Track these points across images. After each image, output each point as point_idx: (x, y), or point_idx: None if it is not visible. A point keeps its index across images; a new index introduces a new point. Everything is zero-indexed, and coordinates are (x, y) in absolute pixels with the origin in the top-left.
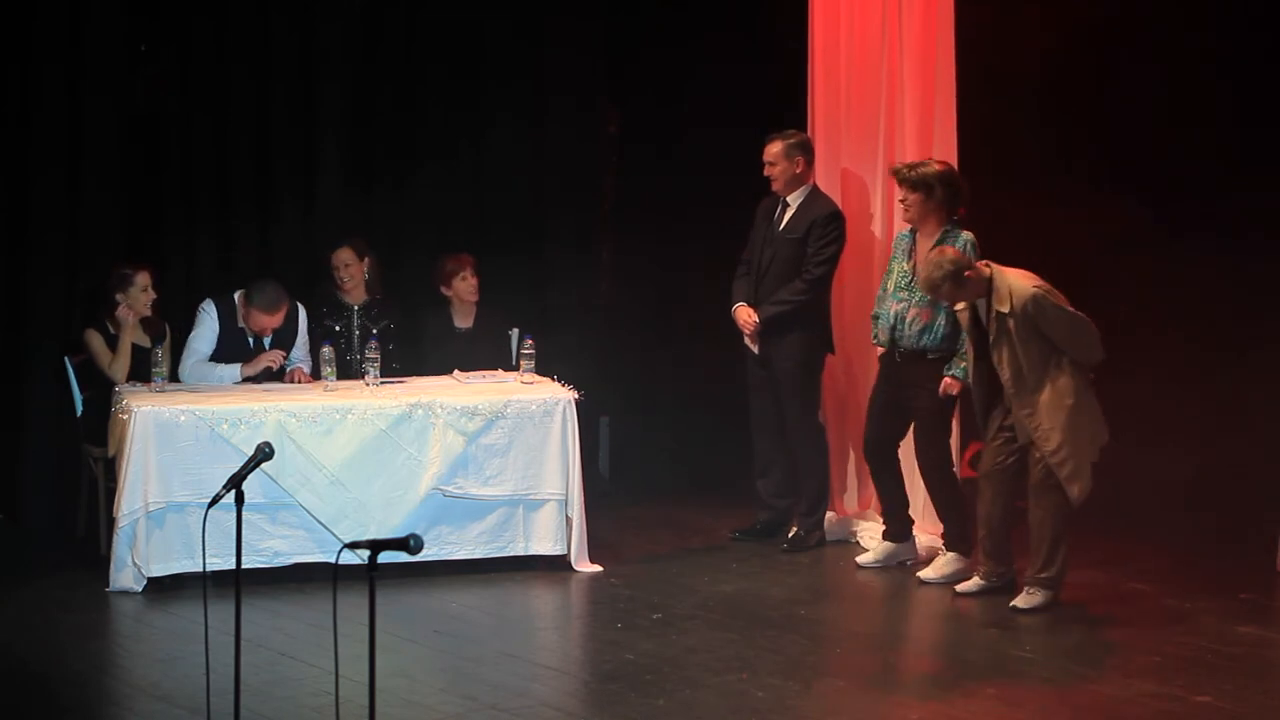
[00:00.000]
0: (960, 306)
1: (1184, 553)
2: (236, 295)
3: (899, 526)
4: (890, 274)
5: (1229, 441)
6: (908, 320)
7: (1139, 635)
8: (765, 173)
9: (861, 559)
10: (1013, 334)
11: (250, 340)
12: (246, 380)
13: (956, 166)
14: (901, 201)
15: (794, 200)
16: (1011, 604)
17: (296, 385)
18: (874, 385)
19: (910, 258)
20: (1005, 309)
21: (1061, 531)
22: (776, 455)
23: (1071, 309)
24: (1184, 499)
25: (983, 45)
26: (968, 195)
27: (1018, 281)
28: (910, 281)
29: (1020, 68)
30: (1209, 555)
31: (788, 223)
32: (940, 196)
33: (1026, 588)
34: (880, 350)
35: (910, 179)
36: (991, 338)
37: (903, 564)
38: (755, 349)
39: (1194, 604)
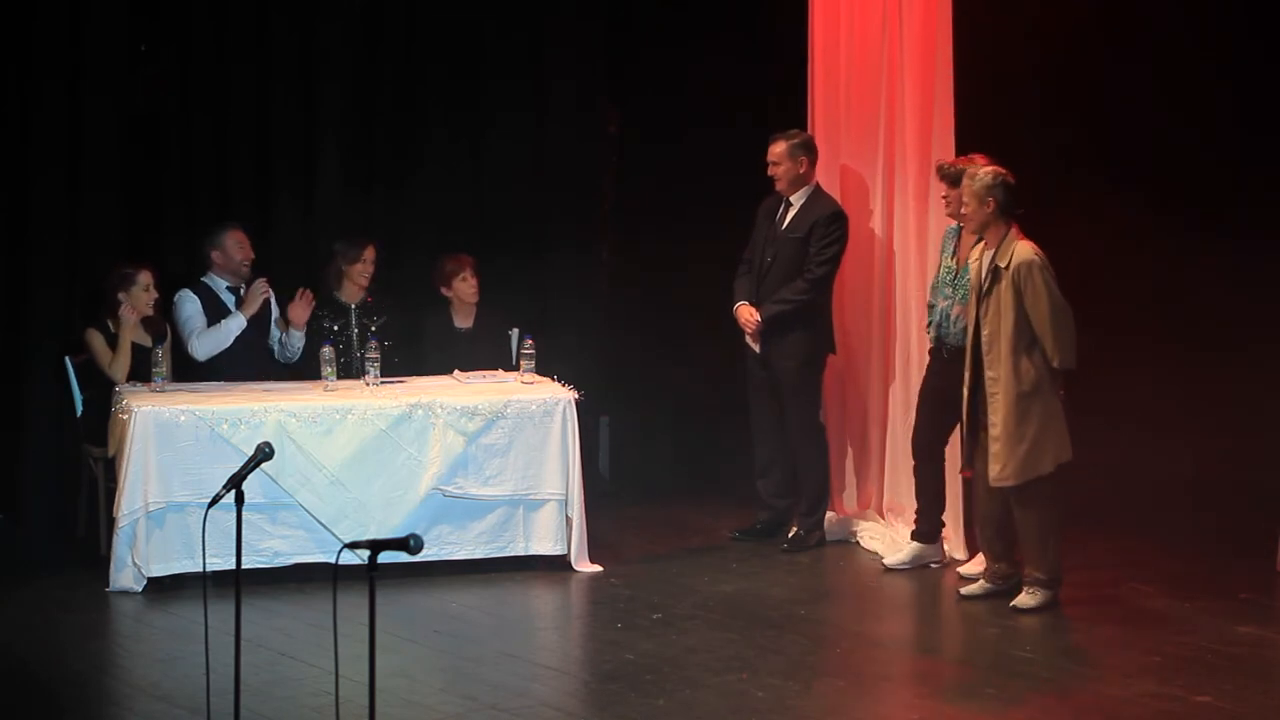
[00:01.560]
0: (974, 256)
1: (1184, 553)
2: (204, 277)
3: (930, 527)
4: (939, 269)
5: (1229, 441)
6: (952, 317)
7: (1139, 635)
8: (769, 173)
9: (889, 560)
10: (1001, 294)
11: (233, 304)
12: (247, 382)
13: None
14: (944, 198)
15: (797, 200)
16: (1011, 604)
17: (296, 385)
18: (923, 381)
19: (955, 254)
20: (1003, 264)
21: (1049, 528)
22: (776, 455)
23: (1060, 297)
24: (1184, 499)
25: (983, 45)
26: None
27: (1023, 245)
28: (954, 277)
29: (1020, 68)
30: (1209, 555)
31: (790, 222)
32: None
33: (1025, 588)
34: (929, 345)
35: (950, 174)
36: (984, 289)
37: (928, 565)
38: (756, 348)
39: (1194, 604)
